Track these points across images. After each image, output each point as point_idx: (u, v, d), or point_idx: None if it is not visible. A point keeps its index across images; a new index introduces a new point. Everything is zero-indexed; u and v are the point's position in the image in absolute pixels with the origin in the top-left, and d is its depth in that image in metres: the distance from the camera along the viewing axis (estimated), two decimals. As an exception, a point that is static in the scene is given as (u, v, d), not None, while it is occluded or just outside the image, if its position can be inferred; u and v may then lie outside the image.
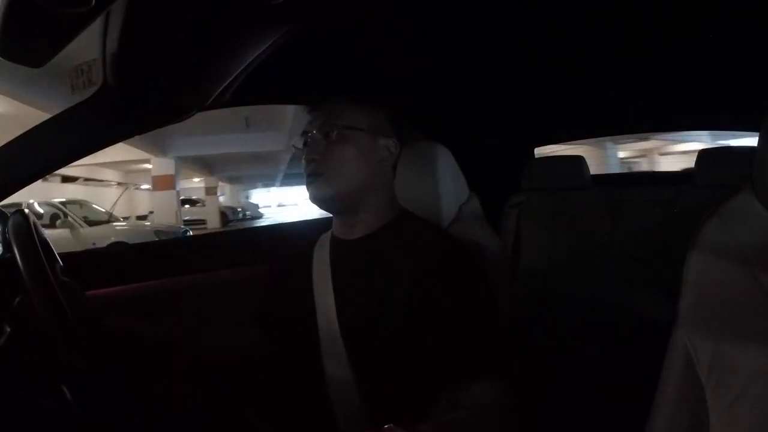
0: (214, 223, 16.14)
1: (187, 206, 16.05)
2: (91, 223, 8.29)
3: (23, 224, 0.74)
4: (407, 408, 0.76)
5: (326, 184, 0.85)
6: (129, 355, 0.82)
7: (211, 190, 17.95)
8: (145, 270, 1.27)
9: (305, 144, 0.89)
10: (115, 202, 10.56)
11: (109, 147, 0.97)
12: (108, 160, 13.06)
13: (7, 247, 0.75)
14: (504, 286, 1.10)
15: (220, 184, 21.37)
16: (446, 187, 1.08)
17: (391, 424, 0.54)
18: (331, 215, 0.92)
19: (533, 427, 0.74)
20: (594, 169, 2.01)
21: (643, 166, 21.51)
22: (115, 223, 8.79)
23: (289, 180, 26.69)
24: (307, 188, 0.87)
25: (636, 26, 1.03)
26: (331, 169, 0.85)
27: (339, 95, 0.89)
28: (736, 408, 0.58)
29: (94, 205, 9.48)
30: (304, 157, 0.87)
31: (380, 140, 0.89)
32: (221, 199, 20.90)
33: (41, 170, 0.94)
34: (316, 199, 0.87)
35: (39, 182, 0.96)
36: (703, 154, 1.77)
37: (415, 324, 0.76)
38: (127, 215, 14.23)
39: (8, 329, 0.73)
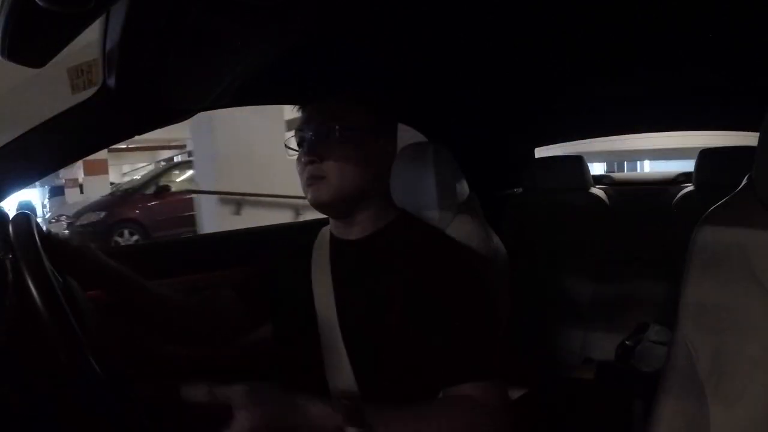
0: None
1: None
2: None
3: (25, 223, 0.74)
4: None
5: (328, 187, 0.82)
6: (130, 355, 0.82)
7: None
8: (145, 270, 1.27)
9: (300, 144, 0.86)
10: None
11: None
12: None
13: (7, 246, 0.75)
14: (504, 286, 1.10)
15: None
16: (446, 187, 1.08)
17: (346, 400, 0.61)
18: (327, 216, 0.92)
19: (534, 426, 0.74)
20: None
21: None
22: None
23: None
24: (307, 191, 0.85)
25: (636, 26, 1.03)
26: (332, 171, 0.82)
27: (336, 93, 0.87)
28: (737, 407, 0.58)
29: None
30: (299, 159, 0.85)
31: (380, 141, 0.87)
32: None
33: (41, 170, 0.94)
34: (317, 203, 0.85)
35: None
36: (703, 154, 1.77)
37: (411, 324, 0.77)
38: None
39: (6, 329, 0.73)
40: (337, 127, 0.82)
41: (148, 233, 6.81)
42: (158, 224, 6.82)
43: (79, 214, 7.06)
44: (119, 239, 6.72)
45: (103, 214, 6.90)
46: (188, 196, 6.95)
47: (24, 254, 0.68)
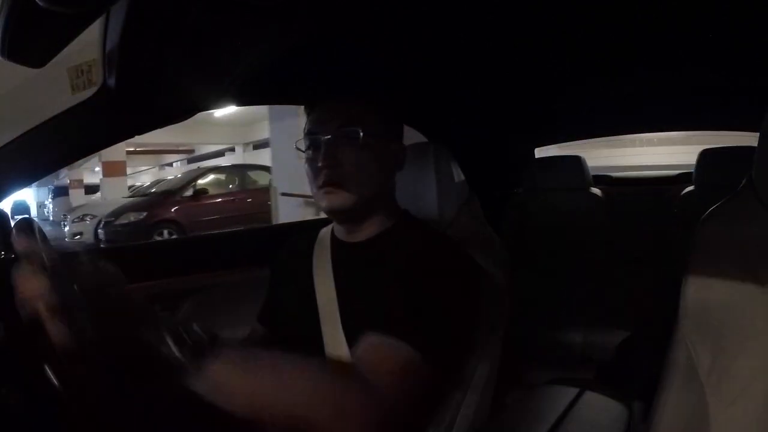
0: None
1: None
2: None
3: (27, 226, 0.74)
4: None
5: (348, 195, 0.80)
6: (129, 356, 0.82)
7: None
8: (145, 270, 1.27)
9: (311, 147, 0.84)
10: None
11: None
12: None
13: (7, 248, 0.75)
14: (504, 287, 1.10)
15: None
16: (446, 187, 1.08)
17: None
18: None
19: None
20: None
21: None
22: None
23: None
24: (323, 198, 0.81)
25: (636, 26, 1.03)
26: (351, 178, 0.79)
27: (348, 95, 0.85)
28: (737, 408, 0.58)
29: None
30: (312, 162, 0.82)
31: (392, 146, 0.87)
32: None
33: (41, 170, 0.94)
34: (333, 210, 0.82)
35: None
36: (703, 154, 1.77)
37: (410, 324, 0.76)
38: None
39: (5, 330, 0.73)
40: (353, 131, 0.80)
41: (186, 234, 7.10)
42: (196, 225, 7.14)
43: (117, 214, 7.37)
44: (158, 239, 6.99)
45: (143, 214, 7.24)
46: (225, 199, 7.74)
47: (25, 254, 0.68)
